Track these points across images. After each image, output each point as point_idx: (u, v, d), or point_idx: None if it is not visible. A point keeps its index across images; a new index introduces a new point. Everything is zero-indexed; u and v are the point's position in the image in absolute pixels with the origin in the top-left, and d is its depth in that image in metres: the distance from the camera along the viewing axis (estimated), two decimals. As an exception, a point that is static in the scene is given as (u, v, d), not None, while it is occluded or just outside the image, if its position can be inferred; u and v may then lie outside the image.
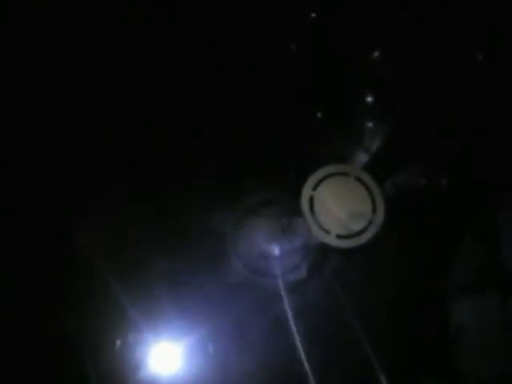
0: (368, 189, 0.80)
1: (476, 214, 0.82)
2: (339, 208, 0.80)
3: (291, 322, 0.77)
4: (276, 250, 0.79)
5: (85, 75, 0.82)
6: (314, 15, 0.85)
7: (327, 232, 0.79)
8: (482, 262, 0.80)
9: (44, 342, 0.76)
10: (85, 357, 0.74)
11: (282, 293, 0.78)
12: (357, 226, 0.79)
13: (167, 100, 0.84)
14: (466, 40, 0.82)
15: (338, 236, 0.79)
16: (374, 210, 0.80)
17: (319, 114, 0.83)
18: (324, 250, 0.79)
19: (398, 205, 0.80)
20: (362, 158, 0.82)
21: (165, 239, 0.80)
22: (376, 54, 0.81)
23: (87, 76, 0.82)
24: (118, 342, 0.76)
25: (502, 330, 0.78)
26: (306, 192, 0.80)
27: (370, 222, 0.79)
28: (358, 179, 0.81)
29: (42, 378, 0.75)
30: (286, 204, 0.80)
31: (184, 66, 0.84)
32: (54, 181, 0.80)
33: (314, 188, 0.80)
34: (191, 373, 0.77)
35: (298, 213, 0.80)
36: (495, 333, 0.78)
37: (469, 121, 0.82)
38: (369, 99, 0.83)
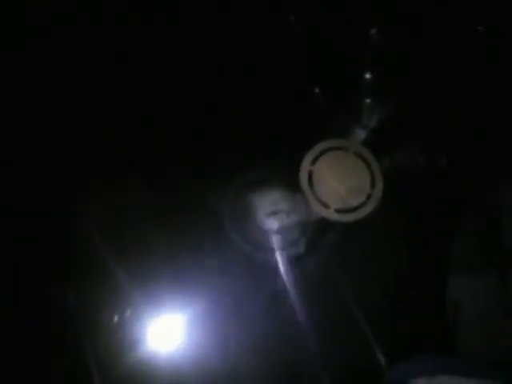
0: (367, 163, 0.81)
1: (476, 191, 0.82)
2: (338, 182, 0.80)
3: (290, 297, 0.76)
4: (275, 225, 0.79)
5: (85, 75, 0.83)
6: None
7: (326, 206, 0.79)
8: (481, 240, 0.80)
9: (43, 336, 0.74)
10: (83, 333, 0.73)
11: (281, 267, 0.77)
12: (355, 201, 0.80)
13: (167, 100, 0.84)
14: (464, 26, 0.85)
15: (337, 210, 0.79)
16: (373, 184, 0.80)
17: (318, 90, 0.84)
18: (323, 224, 0.79)
19: (396, 180, 0.80)
20: (361, 132, 0.83)
21: (164, 214, 0.80)
22: (375, 32, 0.83)
23: (87, 76, 0.83)
24: (117, 318, 0.75)
25: (501, 309, 0.77)
26: (305, 167, 0.81)
27: (369, 197, 0.80)
28: (357, 154, 0.81)
29: (42, 359, 0.73)
30: (285, 179, 0.81)
31: (184, 66, 0.85)
32: (54, 180, 0.80)
33: (313, 163, 0.81)
34: (190, 348, 0.76)
35: (297, 187, 0.80)
36: (493, 311, 0.77)
37: (468, 100, 0.83)
38: (368, 75, 0.84)
